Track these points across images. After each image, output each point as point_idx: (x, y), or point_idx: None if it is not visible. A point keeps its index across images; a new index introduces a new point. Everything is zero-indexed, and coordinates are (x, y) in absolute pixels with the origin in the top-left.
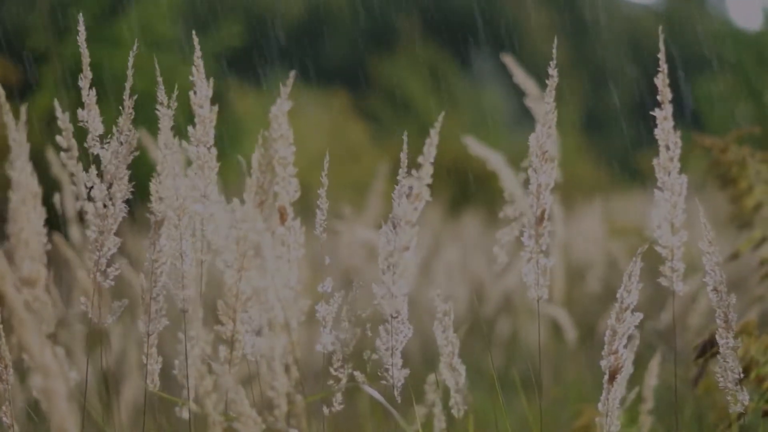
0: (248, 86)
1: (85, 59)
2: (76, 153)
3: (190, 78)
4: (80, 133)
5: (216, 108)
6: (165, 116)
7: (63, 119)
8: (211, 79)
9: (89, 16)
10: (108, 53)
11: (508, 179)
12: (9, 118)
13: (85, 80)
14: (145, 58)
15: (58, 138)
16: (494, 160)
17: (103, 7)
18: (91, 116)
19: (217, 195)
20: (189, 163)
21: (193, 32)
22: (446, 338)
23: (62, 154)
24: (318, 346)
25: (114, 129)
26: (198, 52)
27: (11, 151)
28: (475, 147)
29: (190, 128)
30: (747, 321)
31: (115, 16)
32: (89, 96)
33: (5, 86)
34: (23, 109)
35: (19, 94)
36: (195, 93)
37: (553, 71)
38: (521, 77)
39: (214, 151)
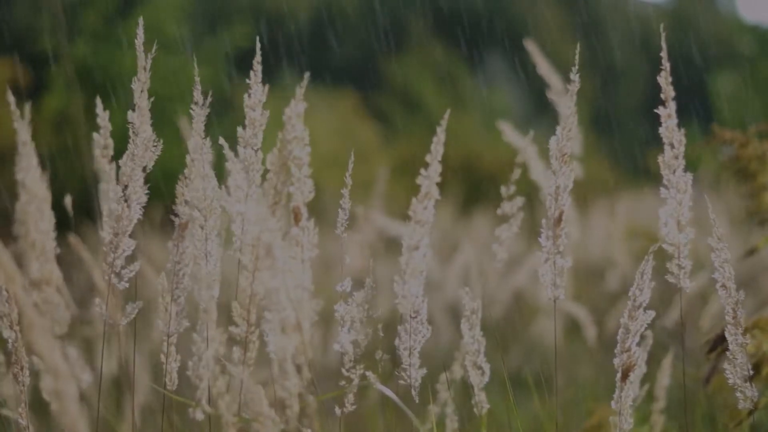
0: (266, 86)
1: (141, 62)
2: (111, 152)
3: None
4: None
5: (267, 113)
6: (199, 117)
7: (103, 116)
8: (267, 86)
9: (99, 18)
10: (118, 54)
11: (537, 170)
12: (20, 123)
13: (139, 83)
14: (154, 59)
15: (95, 135)
16: (525, 150)
17: (113, 9)
18: (142, 120)
19: (261, 197)
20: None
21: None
22: (473, 336)
23: (97, 151)
24: (336, 345)
25: (130, 130)
26: (258, 57)
27: (18, 152)
28: (509, 134)
29: (239, 129)
30: (760, 317)
31: (124, 18)
32: (140, 99)
33: (15, 88)
34: (26, 109)
35: (28, 95)
36: (249, 96)
37: (575, 76)
38: (545, 69)
39: (260, 154)
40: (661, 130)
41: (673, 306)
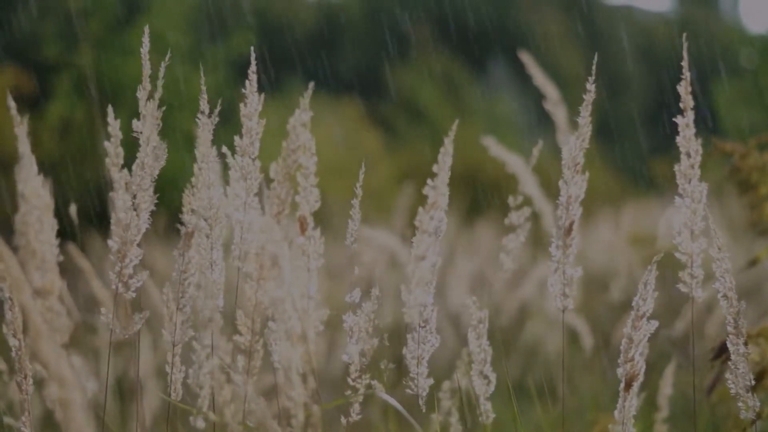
0: (262, 95)
1: (146, 70)
2: (121, 160)
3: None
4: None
5: (264, 121)
6: (205, 126)
7: (114, 125)
8: (263, 94)
9: (102, 26)
10: (121, 62)
11: (528, 182)
12: (21, 130)
13: (143, 91)
14: (157, 67)
15: (106, 144)
16: (513, 163)
17: (116, 17)
18: (147, 128)
19: (267, 206)
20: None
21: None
22: (479, 346)
23: (107, 160)
24: (344, 356)
25: (141, 139)
26: (253, 67)
27: (19, 161)
28: (495, 149)
29: (236, 138)
30: (764, 326)
31: (128, 26)
32: (146, 107)
33: (18, 96)
34: (25, 119)
35: (32, 103)
36: (245, 105)
37: (591, 86)
38: (540, 80)
39: (257, 162)
40: (678, 139)
41: (679, 315)
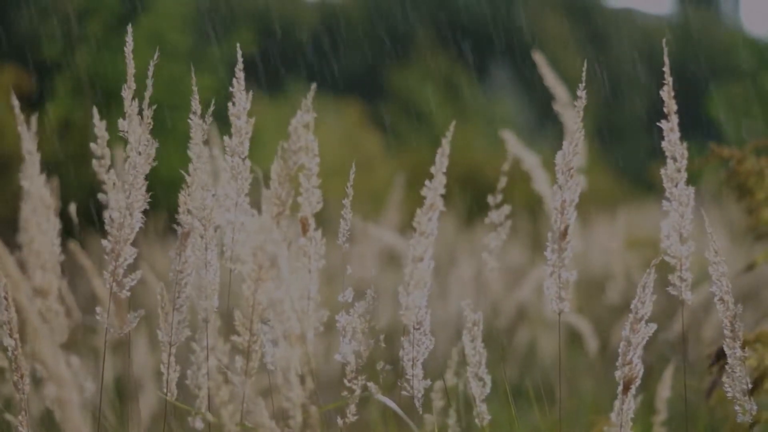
0: (262, 95)
1: (130, 70)
2: (108, 162)
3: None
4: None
5: (252, 120)
6: (197, 127)
7: (100, 126)
8: (251, 92)
9: (102, 26)
10: (121, 62)
11: (540, 180)
12: (23, 128)
13: (128, 90)
14: (156, 67)
15: (92, 145)
16: (528, 160)
17: (116, 16)
18: (132, 127)
19: (248, 205)
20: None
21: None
22: (474, 348)
23: (94, 162)
24: (337, 356)
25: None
26: (240, 65)
27: (24, 161)
28: (512, 144)
29: (225, 138)
30: (762, 331)
31: (127, 25)
32: (131, 107)
33: (19, 95)
34: (33, 118)
35: (32, 103)
36: (234, 104)
37: (582, 92)
38: (551, 81)
39: (247, 162)
40: (663, 143)
41: (676, 319)
